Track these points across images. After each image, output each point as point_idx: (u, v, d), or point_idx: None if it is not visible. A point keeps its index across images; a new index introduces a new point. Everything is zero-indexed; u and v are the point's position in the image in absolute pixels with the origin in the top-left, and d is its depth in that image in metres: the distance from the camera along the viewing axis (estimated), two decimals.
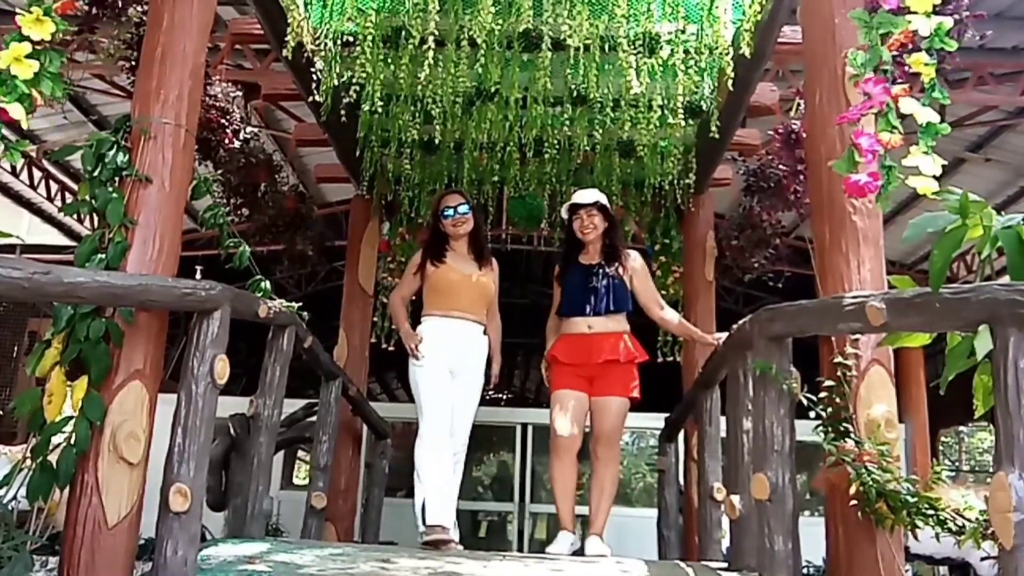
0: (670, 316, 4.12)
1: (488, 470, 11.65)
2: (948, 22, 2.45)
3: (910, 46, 2.48)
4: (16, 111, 2.50)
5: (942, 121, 2.58)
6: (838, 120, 2.73)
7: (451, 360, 3.90)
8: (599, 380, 3.84)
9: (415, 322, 4.07)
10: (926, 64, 2.44)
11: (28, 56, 2.50)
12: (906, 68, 2.51)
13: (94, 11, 3.57)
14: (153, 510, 2.50)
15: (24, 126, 2.54)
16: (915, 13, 2.43)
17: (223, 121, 4.75)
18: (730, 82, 4.36)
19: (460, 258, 4.04)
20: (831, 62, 2.95)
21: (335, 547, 3.64)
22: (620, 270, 3.94)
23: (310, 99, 4.60)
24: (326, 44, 4.39)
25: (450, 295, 3.95)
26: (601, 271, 3.92)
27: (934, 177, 2.42)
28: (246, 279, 3.50)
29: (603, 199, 4.03)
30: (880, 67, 2.50)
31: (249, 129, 5.50)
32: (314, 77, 4.60)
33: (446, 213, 4.02)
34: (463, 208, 4.02)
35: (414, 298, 4.23)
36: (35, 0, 2.55)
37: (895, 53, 2.50)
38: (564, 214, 4.09)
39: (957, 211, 1.80)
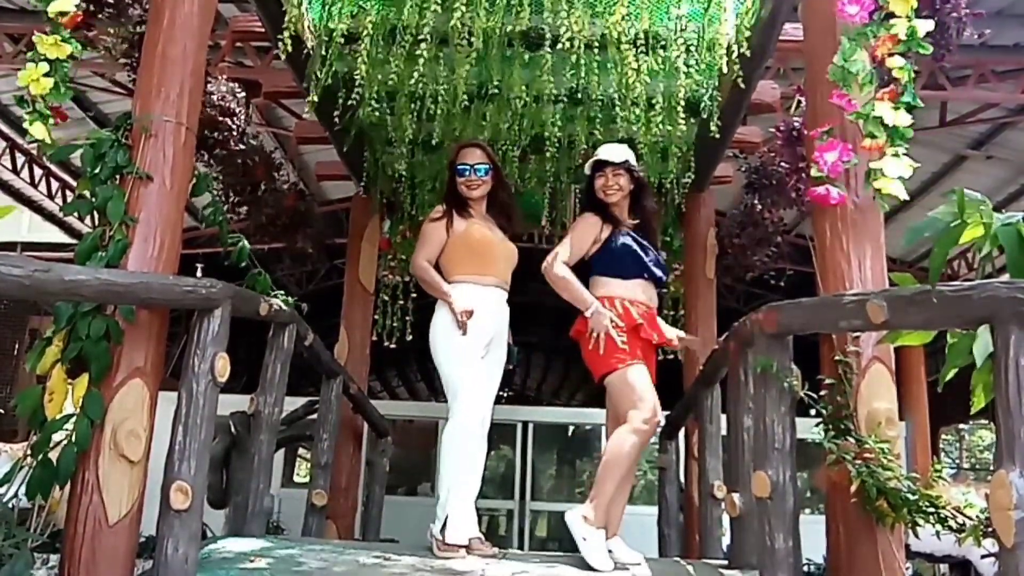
0: None
1: (489, 467, 11.67)
2: (923, 26, 2.47)
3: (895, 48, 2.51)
4: (39, 130, 2.69)
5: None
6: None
7: (488, 335, 3.41)
8: (646, 356, 3.36)
9: None
10: (900, 68, 2.47)
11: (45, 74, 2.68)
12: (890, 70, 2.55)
13: (92, 9, 3.57)
14: (154, 508, 2.50)
15: (48, 140, 2.71)
16: (897, 17, 2.47)
17: (223, 121, 4.76)
18: (735, 81, 4.37)
19: (481, 217, 3.57)
20: (832, 59, 2.94)
21: (336, 545, 3.65)
22: (656, 243, 3.52)
23: (310, 98, 4.59)
24: (326, 42, 4.39)
25: (484, 258, 3.47)
26: (643, 238, 3.48)
27: (901, 179, 2.46)
28: (246, 276, 3.50)
29: (632, 158, 3.52)
30: (857, 80, 2.54)
31: (249, 129, 5.50)
32: (315, 75, 4.59)
33: (461, 170, 3.54)
34: (481, 168, 3.53)
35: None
36: (54, 25, 2.71)
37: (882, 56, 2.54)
38: (587, 171, 3.57)
39: (956, 210, 1.80)
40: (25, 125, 2.73)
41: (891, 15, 2.49)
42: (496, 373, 3.49)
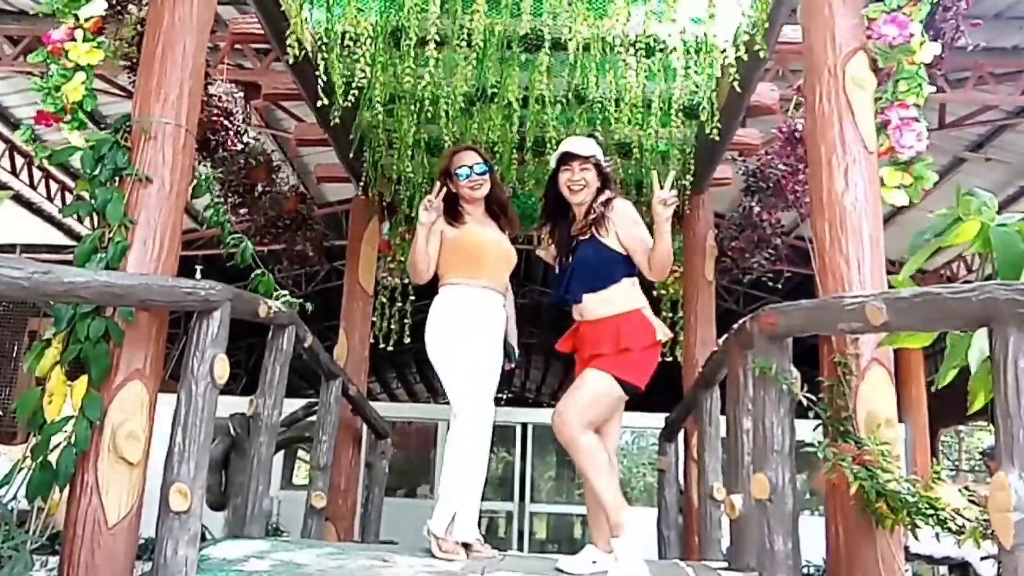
0: (652, 256, 3.10)
1: (488, 469, 11.66)
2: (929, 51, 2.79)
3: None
4: (76, 138, 2.80)
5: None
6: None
7: (481, 337, 3.42)
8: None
9: (432, 292, 3.54)
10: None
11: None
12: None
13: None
14: (153, 509, 2.50)
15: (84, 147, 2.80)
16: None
17: (224, 123, 4.76)
18: (734, 84, 4.38)
19: (478, 221, 3.58)
20: (831, 62, 2.95)
21: (335, 546, 3.64)
22: (603, 233, 3.14)
23: (312, 103, 4.60)
24: (326, 45, 4.40)
25: (477, 261, 3.47)
26: (581, 242, 3.19)
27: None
28: (245, 278, 3.50)
29: (599, 153, 3.29)
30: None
31: (249, 131, 5.50)
32: (316, 79, 4.60)
33: (461, 173, 3.53)
34: (480, 168, 3.54)
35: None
36: (83, 32, 2.80)
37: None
38: (552, 164, 3.36)
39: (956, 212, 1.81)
40: (19, 135, 2.80)
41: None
42: (493, 375, 3.48)
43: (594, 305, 3.13)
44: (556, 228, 3.39)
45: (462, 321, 3.39)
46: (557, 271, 3.32)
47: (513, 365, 3.60)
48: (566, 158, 3.27)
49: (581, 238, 3.19)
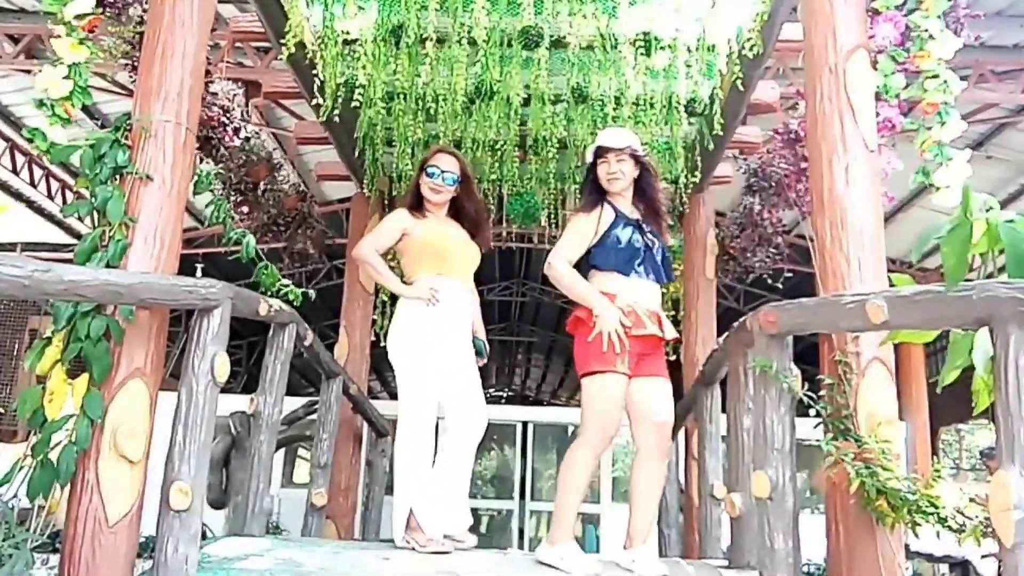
0: None
1: (489, 467, 11.69)
2: (952, 45, 2.88)
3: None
4: (57, 134, 2.80)
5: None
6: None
7: (456, 336, 3.42)
8: (649, 359, 3.07)
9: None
10: (936, 89, 2.83)
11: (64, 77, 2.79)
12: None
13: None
14: (154, 508, 2.50)
15: (64, 143, 2.81)
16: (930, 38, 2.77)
17: (224, 120, 4.76)
18: (735, 82, 4.38)
19: (439, 219, 3.55)
20: (832, 60, 2.95)
21: (335, 545, 3.65)
22: (664, 234, 3.23)
23: (312, 101, 4.59)
24: (327, 43, 4.40)
25: (445, 259, 3.45)
26: (650, 230, 3.18)
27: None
28: (245, 277, 3.50)
29: (635, 143, 3.24)
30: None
31: (250, 128, 5.51)
32: (315, 77, 4.60)
33: (431, 172, 3.51)
34: (450, 177, 3.50)
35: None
36: (68, 27, 2.80)
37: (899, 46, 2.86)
38: (588, 157, 3.30)
39: (962, 209, 1.81)
40: (26, 128, 2.77)
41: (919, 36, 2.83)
42: (471, 371, 3.47)
43: (655, 292, 3.15)
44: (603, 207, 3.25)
45: (436, 323, 3.37)
46: (620, 241, 3.12)
47: (485, 360, 3.60)
48: (602, 150, 3.22)
49: (653, 228, 3.20)
